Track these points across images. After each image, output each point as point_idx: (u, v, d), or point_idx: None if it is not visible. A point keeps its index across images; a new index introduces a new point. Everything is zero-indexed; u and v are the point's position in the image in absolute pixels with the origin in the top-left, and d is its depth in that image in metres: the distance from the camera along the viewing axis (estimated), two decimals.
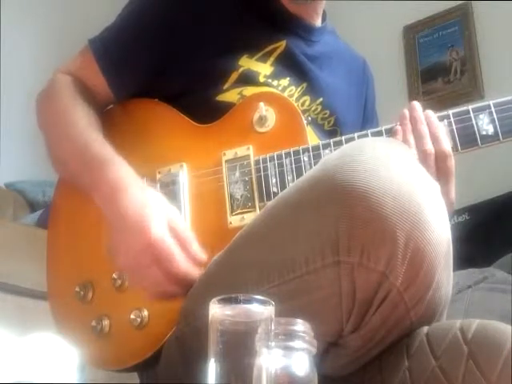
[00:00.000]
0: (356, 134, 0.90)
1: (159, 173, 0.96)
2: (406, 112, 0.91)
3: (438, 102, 2.66)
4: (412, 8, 2.74)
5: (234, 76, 0.99)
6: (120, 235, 0.83)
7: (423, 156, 0.85)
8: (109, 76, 1.03)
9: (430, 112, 0.90)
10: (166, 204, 0.87)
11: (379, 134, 0.90)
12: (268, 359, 0.49)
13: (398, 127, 0.89)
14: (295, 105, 0.97)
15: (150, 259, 0.81)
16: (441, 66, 2.73)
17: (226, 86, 0.99)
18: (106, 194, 0.86)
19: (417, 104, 0.92)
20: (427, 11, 2.77)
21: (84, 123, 0.96)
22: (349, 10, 2.60)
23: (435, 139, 0.86)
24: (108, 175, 0.87)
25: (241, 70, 1.00)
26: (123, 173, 0.88)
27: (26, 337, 0.67)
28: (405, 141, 0.87)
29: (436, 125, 0.88)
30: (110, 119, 1.03)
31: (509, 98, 0.87)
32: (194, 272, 0.82)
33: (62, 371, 0.67)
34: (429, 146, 0.86)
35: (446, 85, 2.69)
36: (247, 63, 1.01)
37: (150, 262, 0.80)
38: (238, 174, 0.92)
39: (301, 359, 0.54)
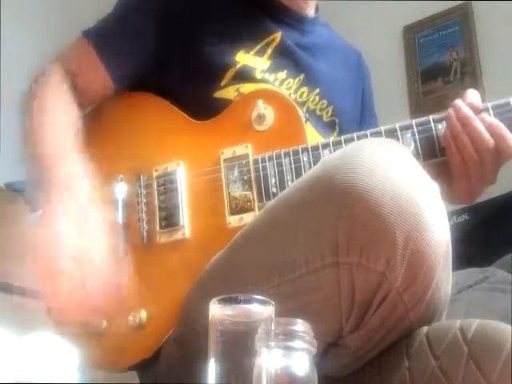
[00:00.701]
0: (355, 134, 0.89)
1: (156, 170, 0.95)
2: (452, 112, 0.86)
3: (437, 102, 2.65)
4: (412, 8, 2.74)
5: (231, 72, 0.99)
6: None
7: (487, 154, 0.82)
8: (108, 62, 1.00)
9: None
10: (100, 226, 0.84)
11: (378, 134, 0.89)
12: (268, 359, 0.49)
13: (447, 131, 0.85)
14: (293, 102, 0.97)
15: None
16: (441, 66, 2.72)
17: (223, 83, 0.98)
18: (46, 194, 0.84)
19: (461, 103, 0.87)
20: (427, 11, 2.77)
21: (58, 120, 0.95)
22: (349, 10, 2.60)
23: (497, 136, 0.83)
24: (55, 175, 0.86)
25: (237, 66, 0.99)
26: (68, 173, 0.86)
27: (26, 337, 0.67)
28: (459, 141, 0.84)
29: (493, 120, 0.84)
30: (106, 115, 1.03)
31: None
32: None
33: (62, 371, 0.67)
34: (491, 142, 0.82)
35: (446, 85, 2.69)
36: (244, 59, 1.00)
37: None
38: (236, 173, 0.91)
39: (301, 359, 0.54)
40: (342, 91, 1.12)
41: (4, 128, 2.66)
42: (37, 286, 0.80)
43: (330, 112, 1.08)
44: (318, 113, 1.07)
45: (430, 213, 0.63)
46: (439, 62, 2.74)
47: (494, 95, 0.89)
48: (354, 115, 1.13)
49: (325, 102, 1.08)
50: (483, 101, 0.88)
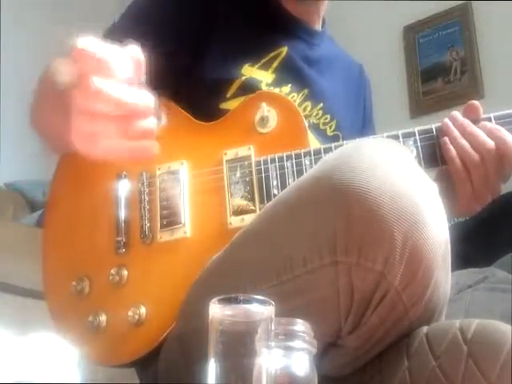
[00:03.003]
0: (358, 141, 0.90)
1: (159, 169, 0.96)
2: (448, 121, 0.88)
3: (437, 102, 2.66)
4: (412, 8, 2.75)
5: (237, 84, 1.00)
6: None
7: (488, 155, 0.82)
8: None
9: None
10: None
11: None
12: (268, 359, 0.49)
13: (445, 138, 0.86)
14: (296, 106, 0.97)
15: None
16: (441, 66, 2.73)
17: (229, 94, 0.99)
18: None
19: (457, 113, 0.89)
20: (427, 11, 2.78)
21: None
22: (349, 10, 2.60)
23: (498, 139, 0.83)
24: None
25: (243, 78, 1.00)
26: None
27: (26, 337, 0.67)
28: (457, 145, 0.84)
29: (493, 125, 0.85)
30: None
31: None
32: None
33: (62, 371, 0.67)
34: (491, 143, 0.83)
35: (446, 85, 2.69)
36: (249, 72, 1.01)
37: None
38: (238, 174, 0.92)
39: (301, 359, 0.54)
40: (345, 106, 1.13)
41: (4, 128, 2.66)
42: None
43: (334, 126, 1.09)
44: (321, 127, 1.08)
45: (429, 212, 0.64)
46: (439, 61, 2.74)
47: (493, 95, 0.90)
48: (355, 129, 1.14)
49: (328, 116, 1.09)
50: (483, 100, 0.88)
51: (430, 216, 0.63)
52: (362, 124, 1.19)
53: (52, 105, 0.85)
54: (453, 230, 0.68)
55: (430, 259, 0.63)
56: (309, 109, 1.06)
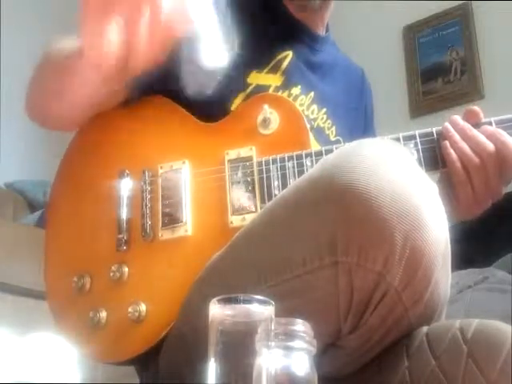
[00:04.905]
0: (358, 141, 0.89)
1: (161, 168, 0.96)
2: (449, 125, 0.88)
3: (437, 102, 2.66)
4: (412, 8, 2.75)
5: (241, 97, 0.99)
6: None
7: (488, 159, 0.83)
8: None
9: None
10: None
11: None
12: (268, 359, 0.49)
13: (446, 142, 0.86)
14: (299, 108, 0.97)
15: None
16: (441, 66, 2.73)
17: (233, 107, 0.99)
18: None
19: (457, 117, 0.89)
20: (427, 11, 2.78)
21: None
22: (349, 10, 2.60)
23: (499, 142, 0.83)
24: None
25: (249, 89, 1.00)
26: None
27: (26, 337, 0.67)
28: (457, 148, 0.84)
29: (494, 129, 0.85)
30: (116, 113, 1.02)
31: None
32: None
33: (62, 371, 0.67)
34: (491, 147, 0.83)
35: (446, 85, 2.69)
36: (256, 79, 1.01)
37: None
38: (240, 174, 0.92)
39: (301, 359, 0.54)
40: (344, 113, 1.13)
41: (4, 128, 2.66)
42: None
43: (334, 132, 1.09)
44: (326, 132, 1.08)
45: (429, 212, 0.64)
46: (439, 61, 2.75)
47: (493, 95, 0.90)
48: (355, 136, 1.14)
49: (330, 121, 1.09)
50: (483, 100, 0.88)
51: (430, 216, 0.64)
52: (363, 130, 1.19)
53: (61, 71, 0.88)
54: (453, 230, 0.68)
55: (430, 259, 0.63)
56: (316, 112, 1.07)
